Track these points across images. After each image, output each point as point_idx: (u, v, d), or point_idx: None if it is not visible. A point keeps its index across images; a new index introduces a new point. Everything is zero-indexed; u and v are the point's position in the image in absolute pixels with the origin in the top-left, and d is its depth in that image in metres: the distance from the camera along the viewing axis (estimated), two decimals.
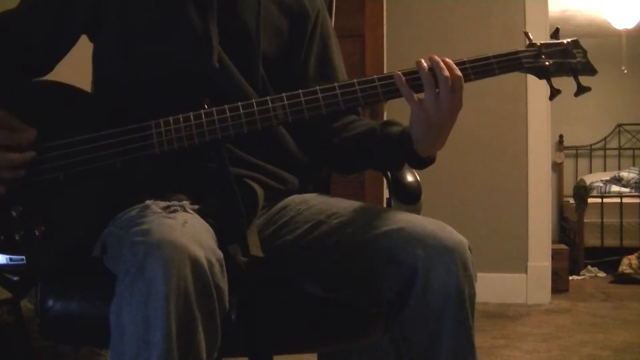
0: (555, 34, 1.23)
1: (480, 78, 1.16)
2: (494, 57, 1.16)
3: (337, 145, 1.27)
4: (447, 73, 1.08)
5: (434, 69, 1.09)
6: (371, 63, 3.43)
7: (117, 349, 0.89)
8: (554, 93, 1.19)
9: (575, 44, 1.22)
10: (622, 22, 5.58)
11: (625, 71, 5.75)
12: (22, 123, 1.08)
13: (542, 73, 1.20)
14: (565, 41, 1.22)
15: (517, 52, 1.18)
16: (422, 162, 1.18)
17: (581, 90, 1.21)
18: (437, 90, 1.09)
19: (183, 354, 0.87)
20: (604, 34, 5.78)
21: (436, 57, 1.10)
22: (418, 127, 1.12)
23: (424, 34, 3.60)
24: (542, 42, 1.21)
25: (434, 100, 1.09)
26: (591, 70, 1.21)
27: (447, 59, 1.10)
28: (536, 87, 3.47)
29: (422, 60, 1.10)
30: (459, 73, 1.09)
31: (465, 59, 1.14)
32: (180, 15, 1.20)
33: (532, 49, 1.20)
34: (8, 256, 1.05)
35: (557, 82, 1.21)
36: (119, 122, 1.08)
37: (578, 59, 1.21)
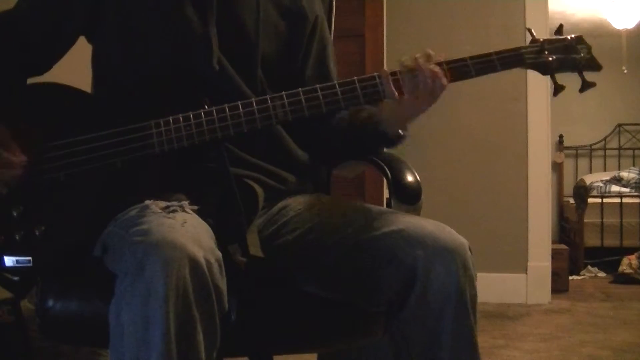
0: (559, 30, 1.23)
1: (481, 74, 1.16)
2: (496, 53, 1.16)
3: (326, 137, 1.31)
4: (429, 79, 1.11)
5: (418, 72, 1.11)
6: (371, 63, 3.44)
7: (117, 349, 0.89)
8: (558, 89, 1.19)
9: (579, 39, 1.21)
10: (622, 22, 5.58)
11: (625, 71, 5.74)
12: (19, 150, 1.08)
13: (545, 69, 1.20)
14: (568, 37, 1.21)
15: (519, 48, 1.18)
16: (393, 141, 1.21)
17: (586, 85, 1.20)
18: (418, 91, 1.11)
19: (182, 354, 0.87)
20: (604, 34, 5.77)
21: (420, 62, 1.11)
22: (392, 118, 1.17)
23: (424, 34, 3.60)
24: (545, 38, 1.20)
25: (414, 101, 1.12)
26: (596, 66, 1.21)
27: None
28: (536, 87, 3.47)
29: (406, 61, 1.12)
30: (443, 82, 1.11)
31: (467, 56, 1.14)
32: (180, 17, 1.20)
33: (534, 44, 1.19)
34: (15, 258, 1.05)
35: (562, 78, 1.21)
36: (119, 122, 1.09)
37: (582, 55, 1.20)
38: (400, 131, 1.19)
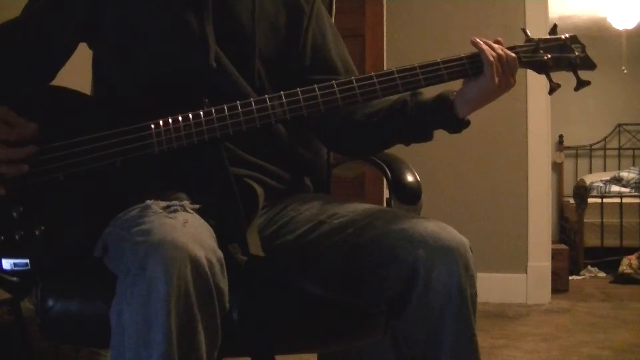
0: (553, 30, 1.24)
1: (477, 73, 1.16)
2: None
3: (360, 123, 1.26)
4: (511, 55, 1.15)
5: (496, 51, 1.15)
6: (371, 63, 3.44)
7: (118, 349, 0.89)
8: (554, 87, 1.20)
9: (574, 39, 1.23)
10: (622, 22, 5.59)
11: (625, 71, 5.75)
12: (21, 118, 1.07)
13: (541, 67, 1.21)
14: (563, 36, 1.22)
15: (514, 47, 1.19)
16: (460, 124, 1.19)
17: (581, 84, 1.21)
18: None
19: (183, 354, 0.87)
20: (604, 34, 5.78)
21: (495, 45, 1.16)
22: (478, 96, 1.17)
23: (424, 34, 3.60)
24: (540, 37, 1.21)
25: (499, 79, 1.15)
26: (590, 65, 1.22)
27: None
28: (536, 87, 3.47)
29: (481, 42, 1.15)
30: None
31: (463, 55, 1.16)
32: (177, 17, 1.20)
33: (529, 43, 1.20)
34: (13, 261, 1.05)
35: (557, 79, 1.21)
36: (118, 123, 1.08)
37: (577, 54, 1.21)
38: (466, 117, 1.18)
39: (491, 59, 1.13)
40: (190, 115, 1.08)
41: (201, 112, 1.09)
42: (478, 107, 1.18)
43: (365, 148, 1.35)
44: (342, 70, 1.31)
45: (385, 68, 3.39)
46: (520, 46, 1.20)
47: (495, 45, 1.16)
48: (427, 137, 1.23)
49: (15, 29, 1.20)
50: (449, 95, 1.17)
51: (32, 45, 1.19)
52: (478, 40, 1.16)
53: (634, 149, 6.59)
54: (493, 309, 3.37)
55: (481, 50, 1.14)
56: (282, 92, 1.12)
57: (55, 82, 1.23)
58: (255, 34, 1.24)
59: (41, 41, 1.20)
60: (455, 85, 1.18)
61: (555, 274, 3.70)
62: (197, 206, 1.04)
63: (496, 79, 1.14)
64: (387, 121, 1.23)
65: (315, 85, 1.13)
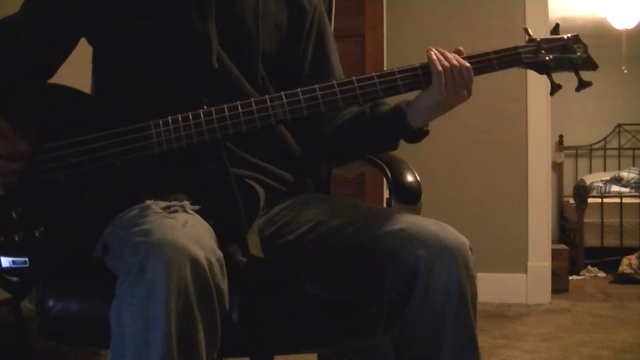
0: (555, 29, 1.23)
1: (479, 74, 1.16)
2: (494, 52, 1.17)
3: (328, 134, 1.29)
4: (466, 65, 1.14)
5: (448, 60, 1.13)
6: (371, 63, 3.43)
7: (118, 350, 0.89)
8: (555, 88, 1.19)
9: (576, 39, 1.22)
10: (622, 22, 5.58)
11: (625, 71, 5.74)
12: (19, 136, 1.07)
13: (543, 68, 1.20)
14: (565, 36, 1.22)
15: (516, 48, 1.19)
16: (415, 135, 1.19)
17: (582, 85, 1.21)
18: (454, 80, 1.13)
19: (183, 354, 0.87)
20: (604, 34, 5.78)
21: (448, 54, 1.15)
22: (428, 107, 1.15)
23: (424, 34, 3.60)
24: (542, 37, 1.21)
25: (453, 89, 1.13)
26: (592, 65, 1.22)
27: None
28: (536, 87, 3.47)
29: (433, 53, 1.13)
30: (467, 64, 1.14)
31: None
32: (179, 16, 1.20)
33: (532, 44, 1.20)
34: (11, 259, 1.04)
35: (558, 79, 1.21)
36: (119, 123, 1.08)
37: (579, 54, 1.21)
38: (422, 128, 1.18)
39: (439, 69, 1.12)
40: (190, 116, 1.08)
41: (201, 113, 1.09)
42: (432, 117, 1.17)
43: (332, 159, 1.40)
44: (337, 77, 1.32)
45: (385, 68, 3.39)
46: (522, 47, 1.19)
47: (450, 55, 1.14)
48: (390, 146, 1.26)
49: (16, 24, 1.20)
50: (402, 106, 1.18)
51: (32, 41, 1.19)
52: (431, 49, 1.14)
53: (634, 149, 6.60)
54: (493, 309, 3.37)
55: (430, 60, 1.13)
56: (282, 93, 1.12)
57: (55, 79, 1.23)
58: (258, 34, 1.24)
59: (42, 37, 1.20)
60: None
61: (555, 274, 3.71)
62: (197, 207, 1.04)
63: (444, 91, 1.12)
64: (350, 132, 1.27)
65: (316, 85, 1.13)
